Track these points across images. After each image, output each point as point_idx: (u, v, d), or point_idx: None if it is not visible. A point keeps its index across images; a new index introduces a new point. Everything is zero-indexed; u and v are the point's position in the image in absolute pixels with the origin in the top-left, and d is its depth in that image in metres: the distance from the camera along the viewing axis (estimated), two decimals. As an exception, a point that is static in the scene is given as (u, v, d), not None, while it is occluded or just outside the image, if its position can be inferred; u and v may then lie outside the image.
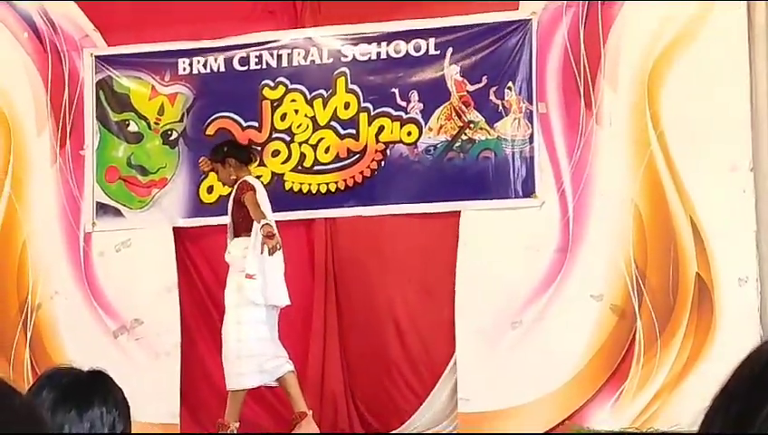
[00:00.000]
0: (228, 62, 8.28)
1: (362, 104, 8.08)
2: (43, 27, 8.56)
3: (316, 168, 8.13)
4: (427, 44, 7.99)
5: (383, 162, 8.03)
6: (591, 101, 7.70)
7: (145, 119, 8.43)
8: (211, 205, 8.20)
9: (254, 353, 7.25)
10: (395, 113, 8.01)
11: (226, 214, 7.59)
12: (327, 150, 8.12)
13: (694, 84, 7.52)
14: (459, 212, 7.87)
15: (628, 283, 7.58)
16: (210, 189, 8.20)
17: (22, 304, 8.45)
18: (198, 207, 8.27)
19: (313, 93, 8.17)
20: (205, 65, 8.33)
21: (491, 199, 7.85)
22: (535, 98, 7.80)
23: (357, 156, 8.07)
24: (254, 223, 7.24)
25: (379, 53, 8.09)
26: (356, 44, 8.12)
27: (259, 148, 8.18)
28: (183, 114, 8.37)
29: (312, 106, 8.17)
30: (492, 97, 7.88)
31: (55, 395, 2.40)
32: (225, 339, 7.36)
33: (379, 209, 8.04)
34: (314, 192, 8.13)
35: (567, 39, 7.78)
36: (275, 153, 8.19)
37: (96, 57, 8.48)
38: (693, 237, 7.50)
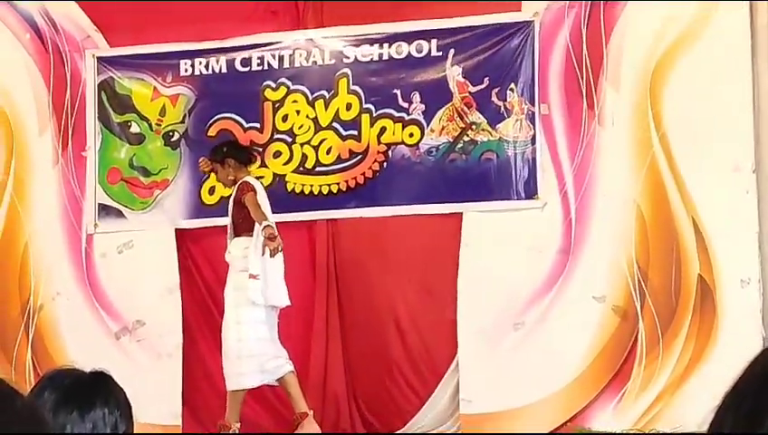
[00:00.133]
0: (230, 63, 8.28)
1: (364, 105, 8.07)
2: (45, 28, 8.56)
3: (318, 169, 8.13)
4: (430, 46, 7.98)
5: (385, 163, 8.02)
6: (594, 101, 7.70)
7: (147, 120, 8.43)
8: (213, 206, 8.19)
9: (254, 353, 7.25)
10: (397, 114, 8.00)
11: (227, 215, 7.59)
12: (329, 152, 8.11)
13: (696, 85, 7.52)
14: (461, 213, 7.86)
15: (631, 284, 7.58)
16: (212, 190, 8.20)
17: (24, 305, 8.45)
18: (200, 209, 8.26)
19: (315, 94, 8.17)
20: (207, 66, 8.33)
21: (493, 201, 7.85)
22: (537, 99, 7.80)
23: (359, 157, 8.06)
24: (256, 223, 7.24)
25: (381, 55, 8.08)
26: (358, 45, 8.12)
27: (261, 148, 8.18)
28: (185, 115, 8.37)
29: (313, 107, 8.16)
30: (494, 98, 7.87)
31: (57, 396, 2.40)
32: (224, 338, 7.36)
33: (380, 211, 8.03)
34: (316, 193, 8.12)
35: (569, 40, 7.77)
36: (277, 154, 8.19)
37: (98, 58, 8.48)
38: (695, 238, 7.50)
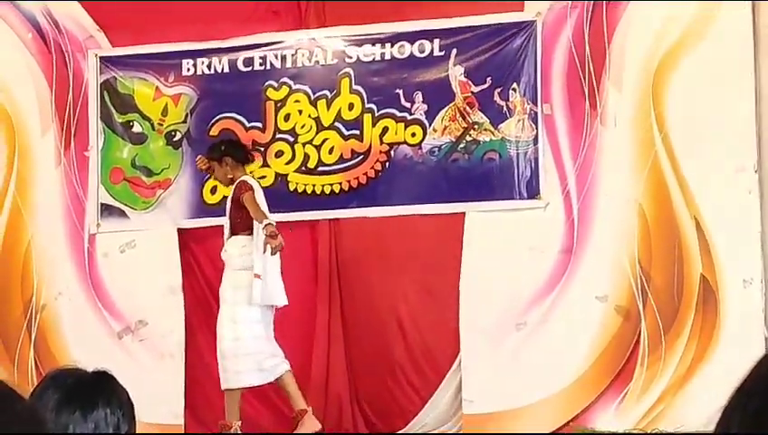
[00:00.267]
0: (232, 62, 8.28)
1: (366, 105, 8.07)
2: (48, 28, 8.57)
3: (320, 168, 8.13)
4: (432, 45, 7.98)
5: (387, 163, 8.02)
6: (596, 101, 7.69)
7: (149, 119, 8.44)
8: (215, 205, 8.19)
9: (250, 352, 7.25)
10: (399, 114, 8.00)
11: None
12: (331, 151, 8.11)
13: (699, 85, 7.52)
14: (464, 213, 7.86)
15: (633, 284, 7.58)
16: (214, 190, 8.20)
17: (26, 304, 8.46)
18: (202, 208, 8.27)
19: (317, 94, 8.17)
20: (209, 66, 8.33)
21: (495, 201, 7.84)
22: (540, 99, 7.80)
23: (361, 157, 8.06)
24: (255, 222, 7.24)
25: (383, 54, 8.08)
26: (360, 45, 8.12)
27: (263, 148, 8.19)
28: (187, 115, 8.38)
29: (315, 107, 8.16)
30: (496, 98, 7.87)
31: (60, 396, 2.40)
32: (220, 337, 7.34)
33: (383, 210, 8.03)
34: (318, 193, 8.13)
35: (572, 40, 7.77)
36: (279, 154, 8.19)
37: (100, 58, 8.48)
38: (698, 238, 7.49)
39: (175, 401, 8.04)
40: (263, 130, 8.23)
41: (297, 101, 8.20)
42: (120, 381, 2.53)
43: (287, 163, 8.18)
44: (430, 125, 7.95)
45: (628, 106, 7.67)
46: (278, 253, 7.18)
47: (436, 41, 7.98)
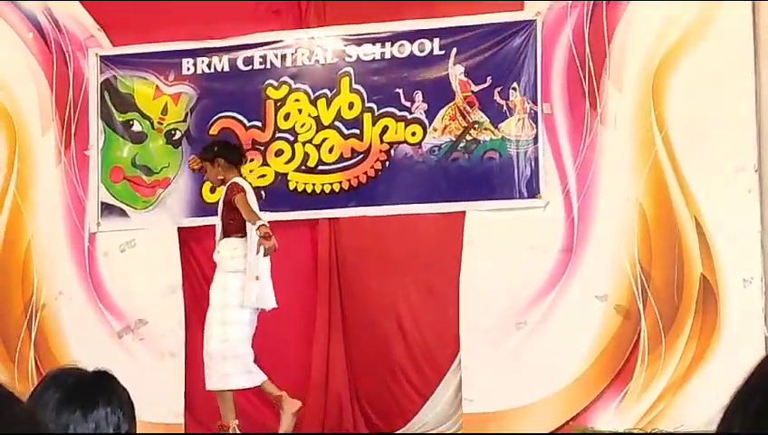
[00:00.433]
0: (232, 61, 8.28)
1: (366, 104, 8.07)
2: (48, 27, 8.57)
3: (320, 168, 8.13)
4: (432, 45, 7.98)
5: (387, 162, 8.02)
6: (596, 101, 7.69)
7: (149, 118, 8.44)
8: (215, 204, 8.15)
9: (238, 354, 7.26)
10: (399, 113, 8.00)
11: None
12: (331, 150, 8.11)
13: (699, 84, 7.52)
14: (464, 213, 7.86)
15: (633, 283, 7.58)
16: (213, 189, 8.18)
17: (26, 304, 8.46)
18: (202, 207, 8.26)
19: (317, 93, 8.17)
20: (209, 65, 8.33)
21: (495, 200, 7.84)
22: (540, 98, 7.80)
23: (361, 156, 8.06)
24: (248, 224, 7.23)
25: (383, 53, 8.08)
26: (360, 44, 8.12)
27: (262, 147, 8.19)
28: (187, 114, 8.38)
29: (315, 106, 8.16)
30: (496, 97, 7.87)
31: (60, 395, 2.40)
32: (208, 337, 7.33)
33: (383, 210, 8.03)
34: (318, 192, 8.12)
35: (572, 39, 7.77)
36: (279, 153, 8.19)
37: (101, 57, 8.49)
38: (698, 238, 7.49)
39: (175, 401, 8.05)
40: (262, 129, 8.23)
41: (297, 100, 8.20)
42: (120, 380, 2.53)
43: (287, 162, 8.18)
44: (430, 124, 7.95)
45: (629, 106, 7.67)
46: (270, 255, 7.16)
47: (436, 40, 7.98)
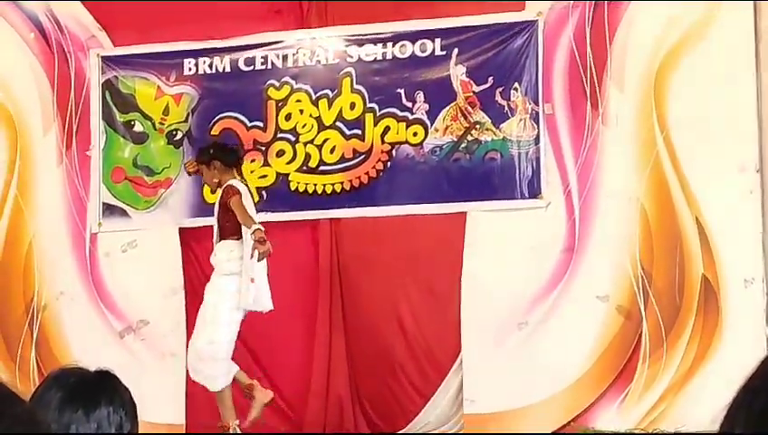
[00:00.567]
0: (233, 62, 8.28)
1: (368, 105, 8.07)
2: (50, 27, 8.57)
3: (321, 168, 8.13)
4: (433, 45, 7.98)
5: (389, 163, 8.02)
6: (598, 101, 7.69)
7: (150, 119, 8.44)
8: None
9: (225, 356, 7.28)
10: (401, 114, 8.00)
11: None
12: (332, 151, 8.11)
13: (700, 85, 7.52)
14: (465, 213, 7.86)
15: (634, 284, 7.58)
16: (214, 190, 8.18)
17: (28, 304, 8.46)
18: (203, 208, 8.26)
19: (318, 93, 8.17)
20: (210, 65, 8.34)
21: (497, 200, 7.84)
22: (541, 99, 7.80)
23: (362, 156, 8.06)
24: (243, 226, 7.22)
25: (384, 54, 8.09)
26: (362, 45, 8.12)
27: (263, 147, 8.19)
28: (188, 114, 8.38)
29: (317, 106, 8.17)
30: (498, 98, 7.87)
31: (62, 395, 2.40)
32: (197, 337, 7.32)
33: (384, 210, 8.03)
34: (319, 193, 8.12)
35: (573, 40, 7.77)
36: (280, 153, 8.19)
37: (102, 57, 8.49)
38: (699, 238, 7.49)
39: (176, 401, 8.04)
40: (264, 129, 8.23)
41: (298, 100, 8.20)
42: (122, 380, 2.53)
43: (288, 163, 8.18)
44: (432, 125, 7.95)
45: (630, 106, 7.67)
46: (264, 259, 7.15)
47: (438, 40, 7.98)
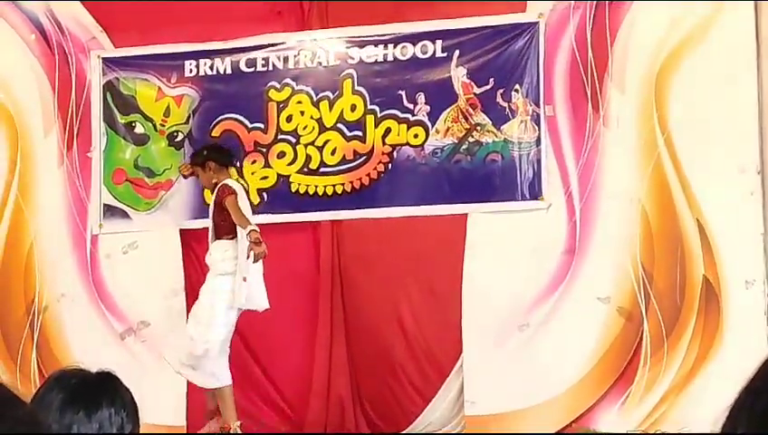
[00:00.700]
0: (234, 63, 8.28)
1: (369, 106, 8.07)
2: (51, 29, 8.57)
3: (322, 169, 8.13)
4: (434, 47, 7.98)
5: (390, 164, 8.02)
6: (599, 103, 7.69)
7: (151, 120, 8.44)
8: (217, 206, 8.20)
9: (225, 352, 7.28)
10: (402, 115, 8.00)
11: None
12: (333, 152, 8.11)
13: (701, 86, 7.52)
14: (466, 215, 7.86)
15: (635, 285, 7.57)
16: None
17: (28, 305, 8.46)
18: (204, 209, 8.24)
19: (320, 95, 8.17)
20: (211, 67, 8.34)
21: (498, 202, 7.84)
22: (542, 100, 7.80)
23: (363, 158, 8.06)
24: (238, 226, 7.23)
25: (385, 55, 8.08)
26: (363, 46, 8.12)
27: (264, 149, 8.19)
28: (189, 116, 8.38)
29: (318, 108, 8.17)
30: (499, 99, 7.87)
31: (64, 396, 2.40)
32: (193, 337, 7.33)
33: (385, 212, 8.03)
34: (320, 194, 8.12)
35: (574, 41, 7.77)
36: (281, 155, 8.19)
37: (103, 59, 8.49)
38: (700, 240, 7.49)
39: (177, 402, 8.04)
40: (265, 130, 8.23)
41: (299, 102, 8.20)
42: (123, 381, 2.54)
43: (289, 164, 8.18)
44: (433, 126, 7.95)
45: (631, 107, 7.67)
46: (260, 260, 7.14)
47: (439, 42, 7.98)
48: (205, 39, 8.32)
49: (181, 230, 8.30)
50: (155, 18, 8.31)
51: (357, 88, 8.10)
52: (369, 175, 8.04)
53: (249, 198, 8.00)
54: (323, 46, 8.20)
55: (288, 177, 8.17)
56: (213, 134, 8.27)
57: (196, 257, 8.28)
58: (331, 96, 8.15)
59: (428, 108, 7.97)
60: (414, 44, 8.02)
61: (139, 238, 8.38)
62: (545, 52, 7.80)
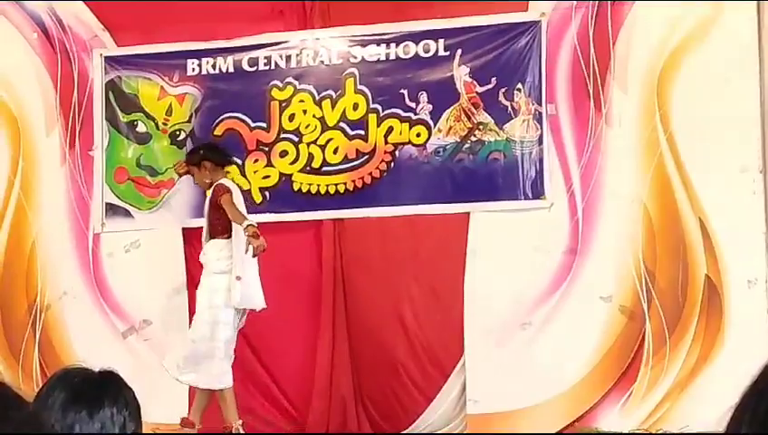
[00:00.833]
0: (237, 62, 8.28)
1: (371, 105, 8.07)
2: (53, 27, 8.58)
3: (324, 168, 8.12)
4: (437, 46, 7.98)
5: (392, 163, 8.02)
6: (601, 102, 7.69)
7: (153, 119, 8.44)
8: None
9: (229, 354, 7.28)
10: (404, 114, 8.00)
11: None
12: (336, 151, 8.11)
13: (703, 85, 7.51)
14: (468, 213, 7.86)
15: (638, 284, 7.57)
16: (215, 190, 8.20)
17: (31, 304, 8.46)
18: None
19: (322, 94, 8.17)
20: (213, 66, 8.34)
21: (500, 201, 7.84)
22: (545, 99, 7.79)
23: (366, 157, 8.06)
24: (233, 225, 7.23)
25: (388, 54, 8.08)
26: (365, 45, 8.12)
27: (266, 148, 8.19)
28: (191, 115, 8.38)
29: (320, 107, 8.16)
30: (501, 98, 7.87)
31: (66, 395, 2.40)
32: (195, 338, 7.33)
33: (387, 211, 8.03)
34: (323, 193, 8.12)
35: (576, 40, 7.77)
36: (283, 154, 8.19)
37: (105, 57, 8.50)
38: (702, 239, 7.49)
39: (179, 401, 8.04)
40: (267, 129, 8.23)
41: (302, 100, 8.20)
42: (125, 380, 2.54)
43: (291, 163, 8.18)
44: (435, 125, 7.95)
45: (633, 106, 7.66)
46: (258, 255, 7.14)
47: (441, 41, 7.97)
48: (207, 38, 8.32)
49: (183, 229, 8.29)
50: (157, 17, 8.31)
51: (359, 87, 8.10)
52: (371, 174, 8.04)
53: (252, 197, 8.02)
54: (326, 45, 8.20)
55: (290, 176, 8.17)
56: (215, 133, 8.27)
57: (199, 256, 8.27)
58: (334, 95, 8.14)
59: (431, 107, 7.96)
60: (416, 43, 8.02)
61: (141, 237, 8.38)
62: (547, 51, 7.80)
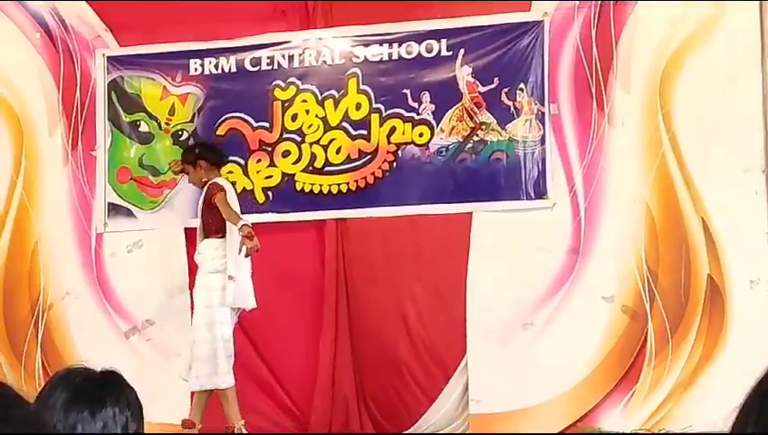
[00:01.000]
0: (240, 62, 8.29)
1: (374, 105, 8.07)
2: (55, 27, 8.58)
3: (327, 168, 8.13)
4: (439, 45, 7.98)
5: (395, 163, 8.02)
6: (603, 101, 7.69)
7: (156, 119, 8.45)
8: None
9: (229, 354, 7.29)
10: (406, 114, 8.00)
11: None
12: (338, 151, 8.11)
13: (706, 85, 7.51)
14: (471, 213, 7.86)
15: (640, 284, 7.57)
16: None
17: (33, 304, 8.47)
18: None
19: (324, 94, 8.17)
20: (216, 66, 8.34)
21: (502, 201, 7.84)
22: (547, 99, 7.79)
23: (368, 157, 8.06)
24: (228, 224, 7.23)
25: (390, 54, 8.08)
26: (367, 45, 8.12)
27: (269, 148, 8.20)
28: (194, 114, 8.38)
29: (323, 107, 8.17)
30: (504, 98, 7.87)
31: (68, 395, 2.40)
32: (195, 339, 7.34)
33: (390, 211, 8.03)
34: (325, 193, 8.12)
35: (579, 40, 7.77)
36: (286, 154, 8.19)
37: (108, 57, 8.50)
38: (705, 239, 7.49)
39: (181, 401, 8.03)
40: (270, 129, 8.24)
41: (304, 100, 8.20)
42: (128, 380, 2.53)
43: (294, 163, 8.18)
44: (437, 125, 7.95)
45: (636, 106, 7.66)
46: (252, 255, 7.14)
47: (444, 41, 7.97)
48: (209, 38, 8.32)
49: (186, 229, 8.29)
50: (160, 17, 8.31)
51: (362, 87, 8.10)
52: (373, 174, 8.04)
53: (255, 197, 8.02)
54: (328, 45, 8.20)
55: (293, 176, 8.17)
56: (218, 133, 8.27)
57: (200, 256, 8.29)
58: (336, 95, 8.15)
59: (433, 107, 7.96)
60: (419, 43, 8.02)
61: (143, 237, 8.38)
62: (550, 51, 7.80)
